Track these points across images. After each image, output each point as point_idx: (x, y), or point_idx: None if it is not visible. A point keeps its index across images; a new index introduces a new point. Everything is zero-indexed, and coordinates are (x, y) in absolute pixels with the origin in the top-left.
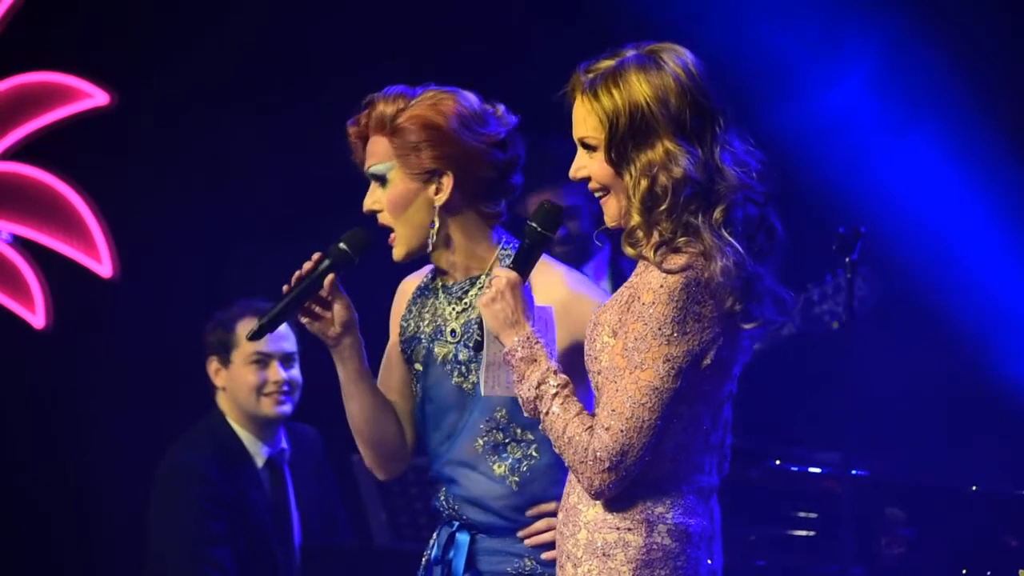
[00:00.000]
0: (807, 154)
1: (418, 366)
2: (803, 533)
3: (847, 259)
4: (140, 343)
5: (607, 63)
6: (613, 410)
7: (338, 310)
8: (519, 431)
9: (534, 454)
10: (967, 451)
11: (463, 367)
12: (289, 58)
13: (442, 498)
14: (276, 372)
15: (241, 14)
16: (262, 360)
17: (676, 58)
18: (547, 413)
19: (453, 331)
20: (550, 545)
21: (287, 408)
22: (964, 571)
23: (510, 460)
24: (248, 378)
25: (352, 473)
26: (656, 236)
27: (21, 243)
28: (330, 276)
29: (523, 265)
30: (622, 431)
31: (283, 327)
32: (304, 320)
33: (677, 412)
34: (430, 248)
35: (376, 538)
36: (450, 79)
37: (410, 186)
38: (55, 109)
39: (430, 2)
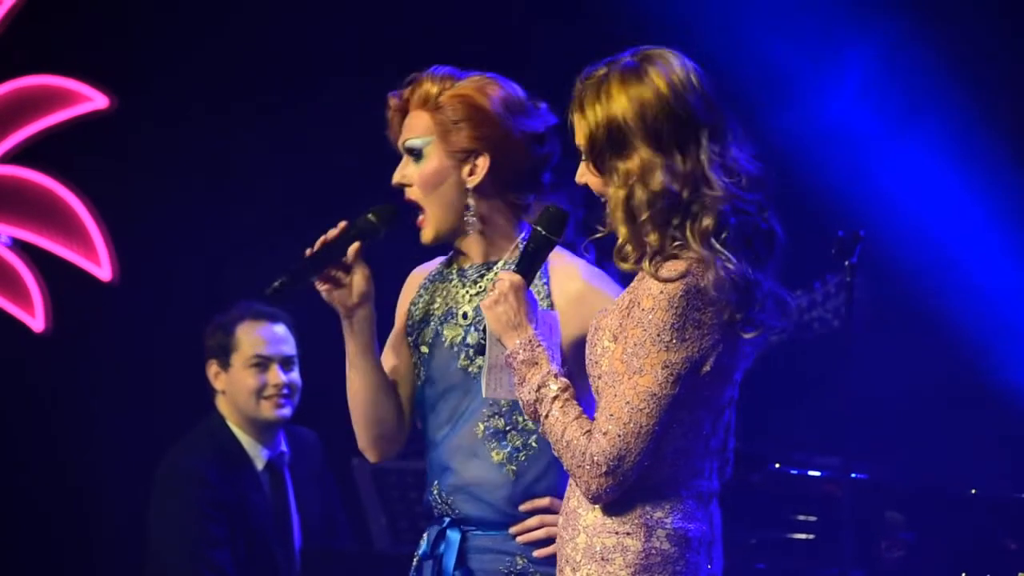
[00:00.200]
0: (807, 158)
1: (424, 348)
2: (803, 536)
3: (846, 263)
4: (139, 346)
5: (598, 73)
6: (611, 415)
7: (358, 280)
8: (520, 419)
9: (533, 444)
10: (967, 455)
11: (471, 350)
12: (289, 60)
13: (435, 492)
14: (276, 375)
15: (240, 16)
16: (262, 363)
17: (661, 67)
18: (546, 416)
19: (465, 313)
20: (542, 542)
21: (287, 411)
22: (963, 574)
23: (509, 448)
24: (248, 381)
25: (352, 477)
26: (648, 247)
27: (21, 246)
28: (355, 244)
29: (527, 268)
30: (619, 436)
31: (282, 330)
32: (323, 287)
33: (677, 418)
34: (466, 232)
35: (376, 542)
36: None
37: (445, 163)
38: (54, 112)
39: (430, 2)
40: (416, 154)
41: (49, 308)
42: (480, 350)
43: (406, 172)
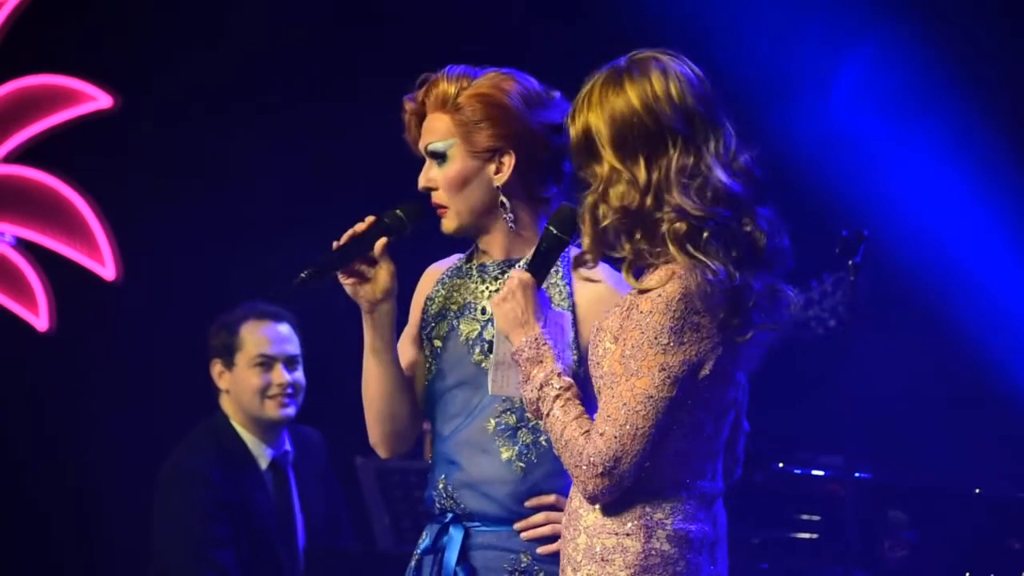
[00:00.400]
0: (810, 158)
1: (438, 343)
2: (807, 536)
3: (850, 262)
4: (143, 345)
5: (590, 79)
6: (608, 416)
7: (383, 275)
8: (532, 417)
9: (543, 443)
10: (970, 454)
11: (486, 345)
12: (290, 60)
13: (440, 486)
14: (280, 375)
15: (242, 17)
16: (266, 363)
17: (640, 77)
18: (548, 415)
19: (484, 309)
20: (547, 539)
21: (291, 411)
22: (967, 574)
23: (519, 446)
24: (252, 381)
25: (356, 476)
26: (625, 256)
27: (24, 246)
28: (382, 240)
29: (539, 267)
30: (616, 437)
31: (286, 329)
32: (347, 281)
33: (677, 419)
34: (510, 227)
35: (379, 541)
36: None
37: (470, 164)
38: (58, 112)
39: (430, 2)
40: (440, 157)
41: (53, 307)
42: None
43: (431, 175)
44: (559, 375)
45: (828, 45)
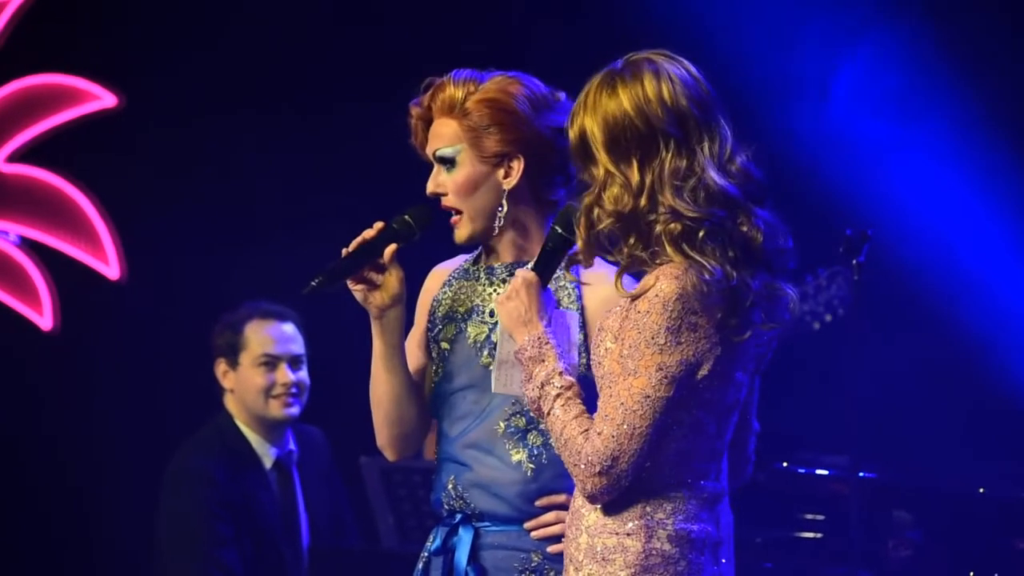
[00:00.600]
0: (813, 158)
1: (445, 345)
2: (810, 535)
3: (854, 261)
4: (147, 345)
5: (588, 82)
6: (606, 415)
7: (392, 281)
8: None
9: (553, 444)
10: (974, 454)
11: (495, 348)
12: (293, 60)
13: (449, 487)
14: (284, 374)
15: (247, 16)
16: (270, 362)
17: (633, 80)
18: (548, 414)
19: (492, 311)
20: (558, 538)
21: (295, 410)
22: (971, 574)
23: (529, 448)
24: (256, 380)
25: (360, 475)
26: (622, 259)
27: (29, 245)
28: (392, 246)
29: (544, 267)
30: (613, 436)
31: (291, 329)
32: (356, 287)
33: (677, 419)
34: (495, 232)
35: (384, 540)
36: (445, 73)
37: (479, 169)
38: (62, 111)
39: (431, 2)
40: (448, 162)
41: (57, 306)
42: None
43: (440, 181)
44: (560, 374)
45: (830, 45)
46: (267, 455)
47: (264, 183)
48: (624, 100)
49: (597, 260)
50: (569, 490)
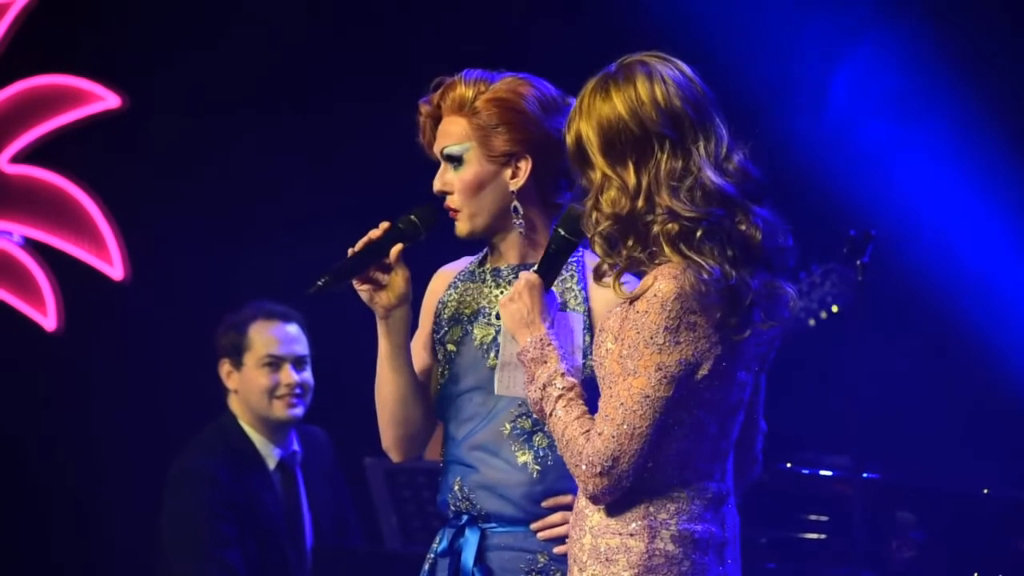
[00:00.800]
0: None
1: (451, 347)
2: (814, 536)
3: (858, 262)
4: (151, 345)
5: (583, 88)
6: (606, 416)
7: (398, 281)
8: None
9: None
10: (978, 454)
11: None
12: (296, 61)
13: (455, 488)
14: (288, 375)
15: (249, 17)
16: (274, 363)
17: (626, 83)
18: (550, 415)
19: (498, 313)
20: (564, 539)
21: (299, 411)
22: (975, 574)
23: (535, 449)
24: (260, 381)
25: (364, 476)
26: (620, 260)
27: (33, 246)
28: (398, 246)
29: (547, 269)
30: (613, 437)
31: (295, 329)
32: (362, 287)
33: (678, 419)
34: (513, 232)
35: (387, 541)
36: (447, 72)
37: (487, 168)
38: (67, 112)
39: (431, 2)
40: (456, 161)
41: (61, 307)
42: None
43: (447, 179)
44: (563, 375)
45: (830, 45)
46: (271, 456)
47: (267, 183)
48: (618, 103)
49: None
50: (575, 491)
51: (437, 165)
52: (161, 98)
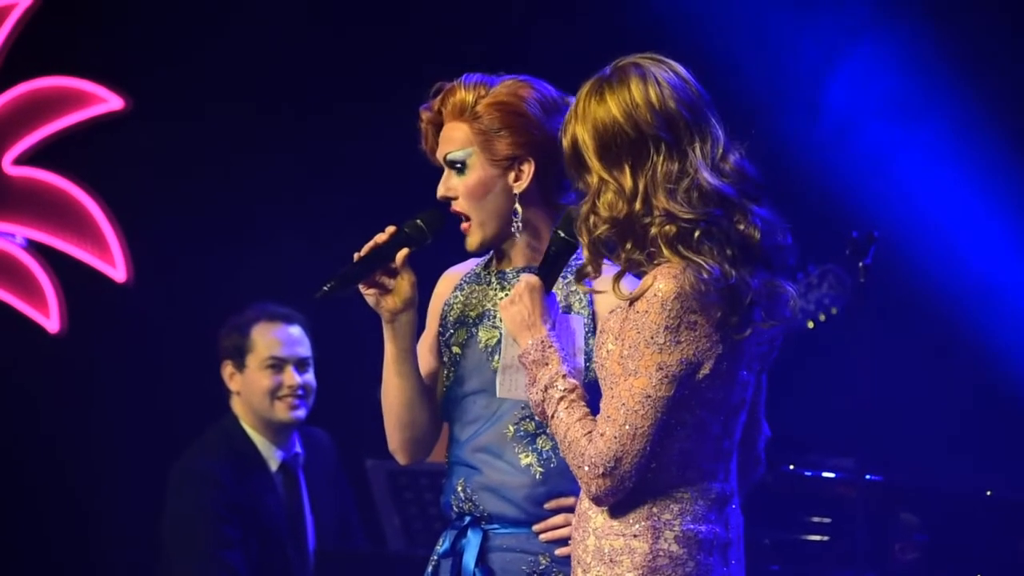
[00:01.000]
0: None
1: (456, 349)
2: (817, 538)
3: (860, 264)
4: (154, 347)
5: (579, 91)
6: (608, 417)
7: (404, 286)
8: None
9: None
10: (981, 456)
11: None
12: (299, 62)
13: (458, 490)
14: (291, 376)
15: (252, 18)
16: (277, 364)
17: (620, 86)
18: (552, 417)
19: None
20: (566, 541)
21: (301, 413)
22: None
23: (538, 452)
24: (263, 382)
25: (366, 478)
26: (621, 263)
27: (35, 248)
28: (404, 250)
29: (548, 271)
30: (615, 438)
31: (297, 331)
32: (368, 291)
33: (679, 419)
34: (513, 236)
35: (390, 543)
36: (449, 75)
37: (490, 173)
38: (69, 114)
39: (431, 3)
40: (459, 166)
41: (64, 309)
42: None
43: (450, 184)
44: (564, 377)
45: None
46: (273, 458)
47: (270, 185)
48: (612, 107)
49: (608, 265)
50: (578, 493)
51: (440, 167)
52: (164, 100)
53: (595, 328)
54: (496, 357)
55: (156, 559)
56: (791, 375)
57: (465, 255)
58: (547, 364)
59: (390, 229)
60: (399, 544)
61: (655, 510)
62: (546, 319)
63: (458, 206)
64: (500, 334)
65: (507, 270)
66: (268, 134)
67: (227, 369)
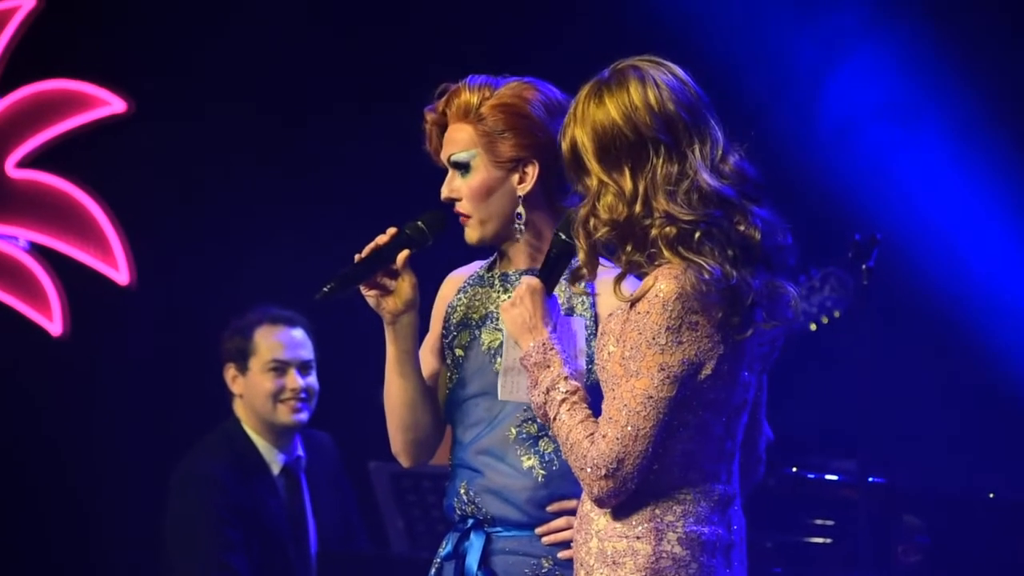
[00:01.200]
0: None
1: (459, 351)
2: (820, 541)
3: (863, 266)
4: (156, 350)
5: (578, 94)
6: (610, 418)
7: (405, 287)
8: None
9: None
10: (985, 458)
11: None
12: (302, 65)
13: (461, 492)
14: (294, 379)
15: (255, 21)
16: (279, 367)
17: (619, 89)
18: (554, 419)
19: None
20: (569, 543)
21: (304, 416)
22: None
23: (541, 454)
24: (265, 385)
25: (369, 480)
26: (622, 265)
27: (38, 250)
28: (404, 252)
29: (549, 273)
30: (617, 439)
31: (300, 334)
32: (369, 293)
33: (682, 420)
34: (516, 239)
35: (393, 545)
36: (450, 77)
37: (494, 174)
38: (72, 117)
39: (431, 3)
40: (463, 168)
41: (66, 312)
42: None
43: (454, 186)
44: (566, 379)
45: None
46: (275, 461)
47: (272, 188)
48: (611, 109)
49: (609, 268)
50: (580, 495)
51: (444, 169)
52: (166, 103)
53: (598, 329)
54: (499, 360)
55: (157, 561)
56: (794, 377)
57: (466, 257)
58: (549, 366)
59: (391, 230)
60: (402, 546)
61: (658, 512)
62: (547, 321)
63: (462, 207)
64: (503, 336)
65: (510, 272)
66: (270, 136)
67: (229, 372)
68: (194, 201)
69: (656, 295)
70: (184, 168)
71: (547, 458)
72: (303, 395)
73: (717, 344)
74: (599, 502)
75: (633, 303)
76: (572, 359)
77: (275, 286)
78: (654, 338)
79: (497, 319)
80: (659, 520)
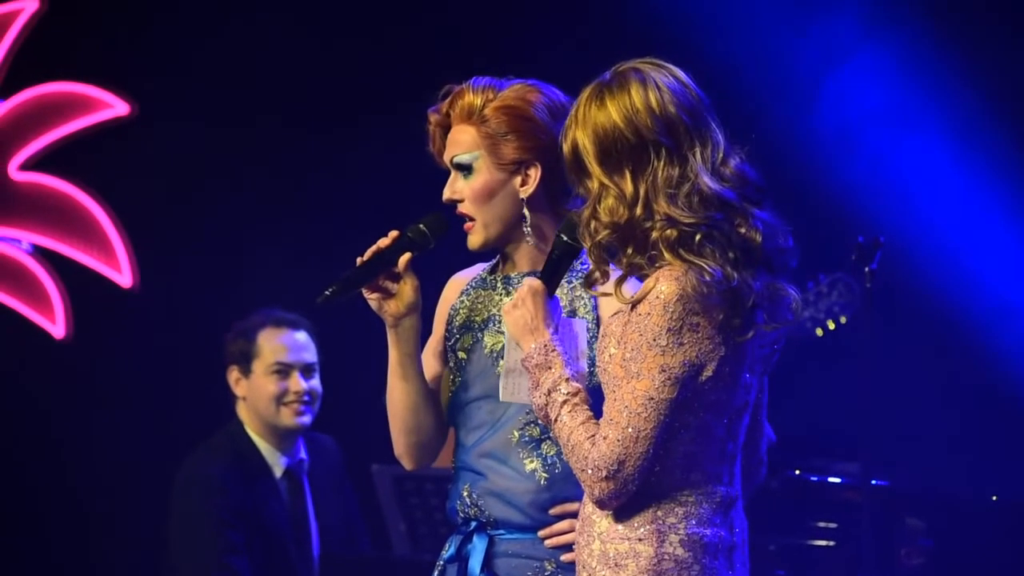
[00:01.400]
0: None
1: (462, 354)
2: (823, 543)
3: (866, 269)
4: (159, 352)
5: (579, 96)
6: (611, 420)
7: (407, 290)
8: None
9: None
10: (987, 461)
11: None
12: (305, 67)
13: (464, 495)
14: (297, 382)
15: (259, 25)
16: (283, 370)
17: (620, 91)
18: (556, 420)
19: None
20: (571, 546)
21: (307, 419)
22: None
23: (544, 457)
24: (268, 388)
25: (372, 483)
26: (623, 267)
27: (41, 253)
28: (406, 255)
29: (550, 275)
30: (618, 441)
31: (303, 337)
32: (371, 296)
33: (683, 422)
34: (523, 240)
35: (395, 548)
36: (451, 79)
37: (496, 176)
38: (75, 119)
39: (433, 4)
40: (465, 169)
41: (70, 314)
42: None
43: (456, 187)
44: (567, 380)
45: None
46: (277, 464)
47: (275, 190)
48: (613, 112)
49: (612, 270)
50: (582, 498)
51: (446, 172)
52: (170, 106)
53: (599, 332)
54: (501, 362)
55: (158, 563)
56: (797, 380)
57: (468, 260)
58: (550, 368)
59: (393, 233)
60: (405, 549)
61: (660, 513)
62: (549, 323)
63: (464, 209)
64: (505, 339)
65: (512, 275)
66: (273, 139)
67: (233, 374)
68: (197, 204)
69: (657, 296)
70: (187, 171)
71: (550, 461)
72: (306, 398)
73: (718, 346)
74: (600, 504)
75: (634, 305)
76: (574, 361)
77: (277, 289)
78: (655, 339)
79: (500, 322)
80: (661, 522)
